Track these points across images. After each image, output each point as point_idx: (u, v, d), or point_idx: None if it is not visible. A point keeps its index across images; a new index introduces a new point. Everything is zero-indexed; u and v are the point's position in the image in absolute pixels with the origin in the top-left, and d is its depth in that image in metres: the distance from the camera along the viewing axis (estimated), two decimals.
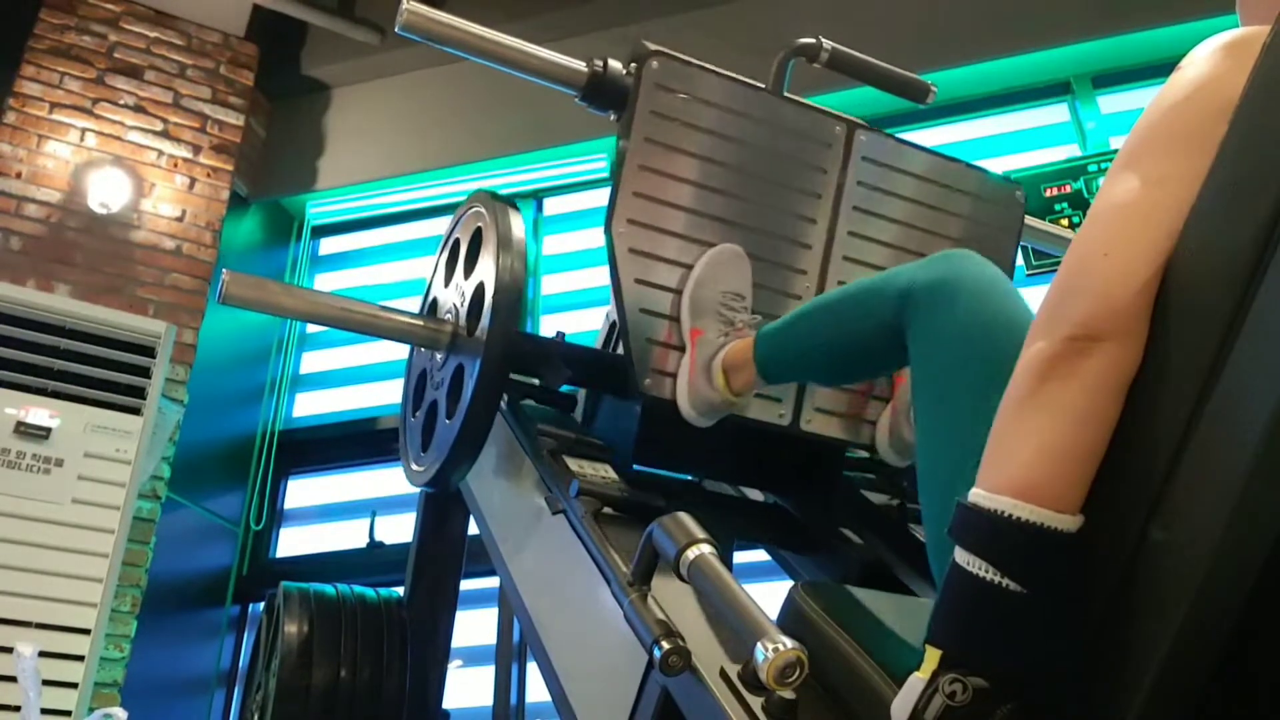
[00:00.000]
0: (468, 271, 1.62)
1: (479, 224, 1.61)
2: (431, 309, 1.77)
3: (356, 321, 1.58)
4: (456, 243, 1.72)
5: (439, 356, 1.64)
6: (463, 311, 1.58)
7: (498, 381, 1.43)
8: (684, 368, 1.44)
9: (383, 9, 4.15)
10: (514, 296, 1.43)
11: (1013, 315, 0.93)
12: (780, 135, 1.54)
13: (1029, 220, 1.77)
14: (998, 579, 0.71)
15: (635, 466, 1.52)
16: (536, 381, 1.82)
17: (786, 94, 1.59)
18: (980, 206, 1.65)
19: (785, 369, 1.34)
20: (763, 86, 1.57)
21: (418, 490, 2.01)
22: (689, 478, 1.80)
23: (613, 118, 1.53)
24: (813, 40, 1.60)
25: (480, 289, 1.52)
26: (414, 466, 1.68)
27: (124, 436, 3.10)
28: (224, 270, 1.48)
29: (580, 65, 1.53)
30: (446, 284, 1.73)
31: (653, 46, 1.49)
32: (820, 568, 1.61)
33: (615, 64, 1.53)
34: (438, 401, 1.61)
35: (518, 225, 1.51)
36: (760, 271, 1.51)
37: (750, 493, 1.83)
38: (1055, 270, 0.78)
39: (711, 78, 1.51)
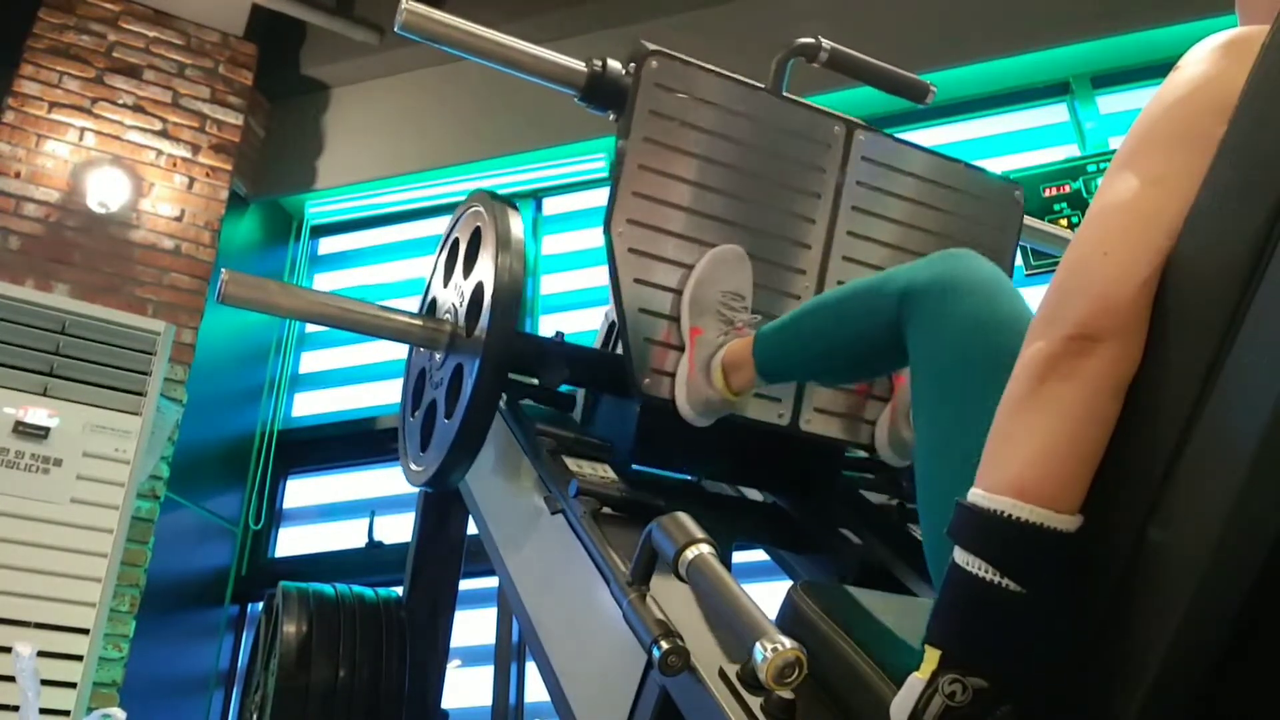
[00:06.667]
0: (467, 271, 1.62)
1: (478, 223, 1.61)
2: (430, 309, 1.76)
3: (356, 321, 1.58)
4: (455, 242, 1.71)
5: (438, 356, 1.64)
6: (461, 311, 1.58)
7: (496, 381, 1.43)
8: (683, 366, 1.45)
9: (382, 9, 4.15)
10: (513, 296, 1.43)
11: (1012, 314, 0.93)
12: (779, 135, 1.55)
13: (1027, 220, 1.77)
14: (997, 579, 0.71)
15: (634, 466, 1.52)
16: (535, 381, 1.82)
17: (786, 94, 1.59)
18: (980, 206, 1.65)
19: (785, 368, 1.34)
20: (762, 86, 1.57)
21: (417, 490, 2.01)
22: (688, 478, 1.80)
23: (612, 118, 1.53)
24: (812, 40, 1.60)
25: (479, 289, 1.52)
26: (413, 466, 1.68)
27: (123, 436, 3.10)
28: (223, 270, 1.48)
29: (580, 65, 1.53)
30: (445, 283, 1.72)
31: (652, 46, 1.49)
32: (819, 567, 1.61)
33: (614, 64, 1.53)
34: (437, 401, 1.61)
35: (516, 225, 1.51)
36: (760, 271, 1.51)
37: (749, 493, 1.83)
38: (1054, 270, 0.78)
39: (711, 77, 1.51)
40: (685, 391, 1.43)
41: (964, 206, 1.64)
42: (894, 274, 1.08)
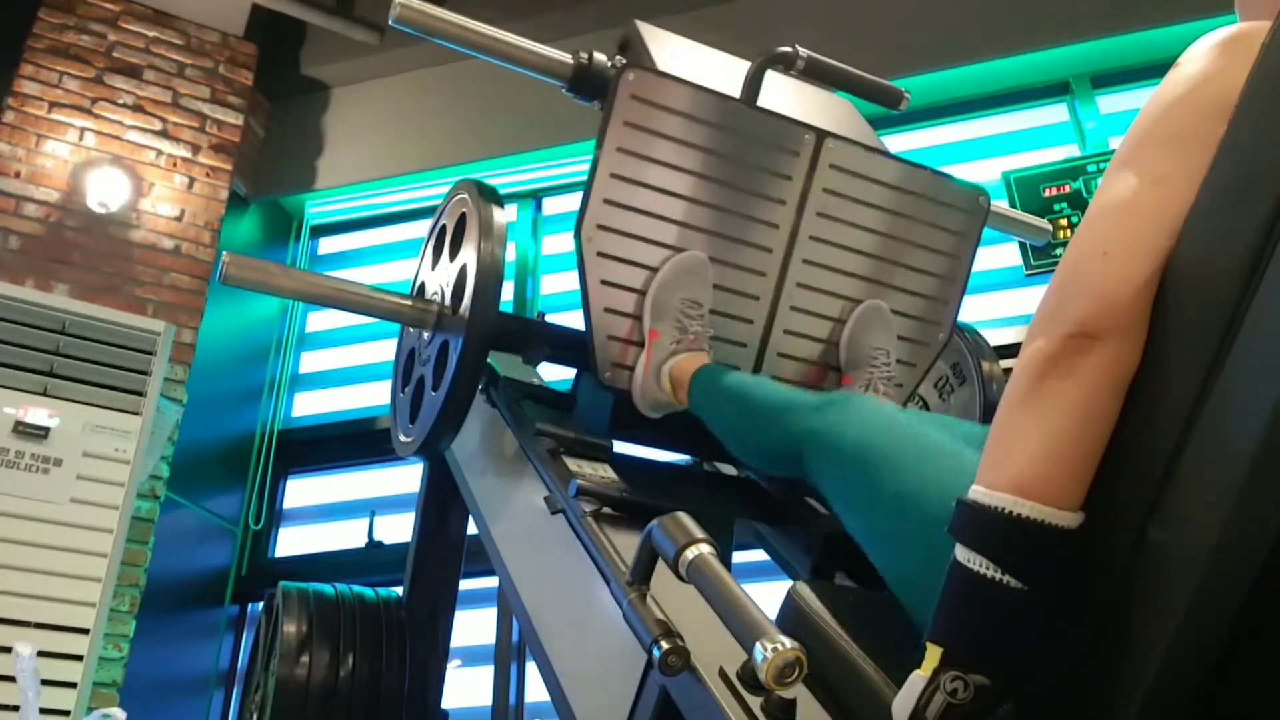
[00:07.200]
0: (453, 256, 1.69)
1: (463, 210, 1.68)
2: (420, 291, 1.84)
3: (351, 301, 1.66)
4: (443, 229, 1.78)
5: (426, 335, 1.71)
6: (448, 293, 1.65)
7: (479, 354, 1.51)
8: (640, 365, 1.55)
9: (382, 9, 4.12)
10: (494, 278, 1.52)
11: (900, 434, 1.01)
12: (750, 144, 1.60)
13: (1001, 209, 1.84)
14: (998, 576, 0.71)
15: (612, 439, 1.60)
16: (536, 381, 1.85)
17: (759, 105, 1.63)
18: (942, 212, 1.71)
19: (706, 421, 1.45)
20: (736, 98, 1.60)
21: (416, 490, 2.03)
22: (682, 461, 1.86)
23: (597, 107, 1.59)
24: (789, 49, 1.63)
25: (464, 271, 1.59)
26: (402, 438, 1.74)
27: (123, 436, 3.10)
28: (225, 252, 1.54)
29: (567, 57, 1.60)
30: (434, 267, 1.79)
31: (641, 26, 1.53)
32: (789, 537, 1.68)
33: (600, 56, 1.60)
34: (425, 376, 1.67)
35: (499, 212, 1.59)
36: (721, 274, 1.59)
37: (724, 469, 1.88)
38: (1054, 269, 0.78)
39: (685, 89, 1.55)
40: (640, 388, 1.55)
41: (925, 212, 1.70)
42: (800, 406, 1.19)
